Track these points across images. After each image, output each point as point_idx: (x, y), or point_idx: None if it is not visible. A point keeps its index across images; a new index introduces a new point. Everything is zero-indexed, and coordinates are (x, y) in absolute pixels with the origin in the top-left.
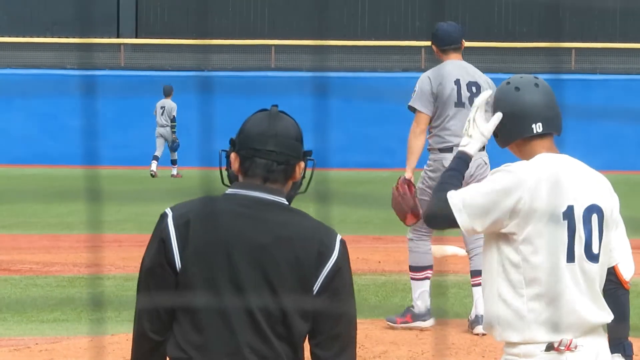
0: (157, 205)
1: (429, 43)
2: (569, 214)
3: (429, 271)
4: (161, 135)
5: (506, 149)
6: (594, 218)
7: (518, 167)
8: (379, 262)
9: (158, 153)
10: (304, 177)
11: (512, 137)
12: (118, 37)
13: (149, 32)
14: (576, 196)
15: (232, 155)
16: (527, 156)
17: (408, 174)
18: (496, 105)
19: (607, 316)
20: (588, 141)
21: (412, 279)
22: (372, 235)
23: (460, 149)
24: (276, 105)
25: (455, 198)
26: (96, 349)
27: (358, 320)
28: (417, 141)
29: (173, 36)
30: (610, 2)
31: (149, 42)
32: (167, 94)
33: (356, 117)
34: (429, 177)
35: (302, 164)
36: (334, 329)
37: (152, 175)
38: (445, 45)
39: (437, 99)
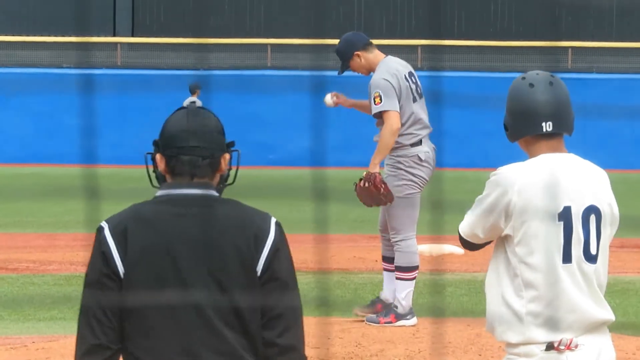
0: None
1: (425, 41)
2: (565, 215)
3: (416, 272)
4: None
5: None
6: (592, 219)
7: (506, 170)
8: (376, 260)
9: None
10: (230, 168)
11: (522, 133)
12: (115, 35)
13: (145, 31)
14: (574, 197)
15: (158, 156)
16: (532, 154)
17: (376, 169)
18: (509, 99)
19: (608, 314)
20: (584, 140)
21: (400, 279)
22: (369, 234)
23: None
24: (194, 102)
25: (464, 222)
26: None
27: (355, 319)
28: (393, 140)
29: (170, 35)
30: (607, 1)
31: (145, 41)
32: (192, 91)
33: (353, 116)
34: (407, 172)
35: (227, 156)
36: (276, 309)
37: None
38: (366, 43)
39: (400, 97)
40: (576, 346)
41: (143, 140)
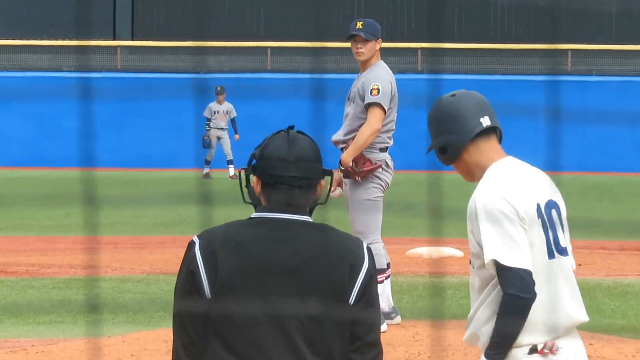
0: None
1: (425, 44)
2: (539, 212)
3: (389, 271)
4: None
5: None
6: (554, 213)
7: (489, 190)
8: None
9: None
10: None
11: (465, 137)
12: (114, 39)
13: (145, 35)
14: (538, 195)
15: (254, 178)
16: (480, 163)
17: (350, 164)
18: (438, 119)
19: (585, 315)
20: (584, 142)
21: None
22: None
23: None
24: (292, 126)
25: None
26: (92, 350)
27: None
28: (371, 140)
29: (169, 38)
30: (606, 4)
31: (145, 45)
32: (219, 94)
33: None
34: (375, 175)
35: (323, 182)
36: (370, 336)
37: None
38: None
39: (391, 101)
40: (557, 349)
41: (143, 144)
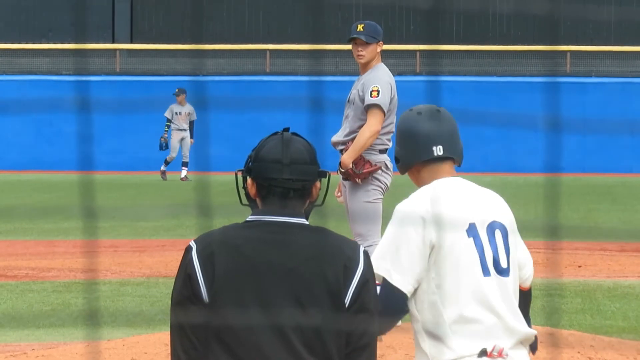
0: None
1: (424, 46)
2: (473, 231)
3: None
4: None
5: None
6: (497, 234)
7: (411, 205)
8: None
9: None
10: (320, 189)
11: (412, 159)
12: (113, 42)
13: (144, 38)
14: (475, 214)
15: (249, 181)
16: (425, 182)
17: (350, 166)
18: (398, 130)
19: (527, 329)
20: (584, 144)
21: None
22: None
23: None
24: (288, 128)
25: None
26: (92, 354)
27: None
28: (371, 142)
29: (168, 41)
30: (605, 5)
31: (144, 48)
32: (178, 95)
33: None
34: (375, 177)
35: (318, 184)
36: (363, 339)
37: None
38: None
39: (390, 103)
40: (507, 355)
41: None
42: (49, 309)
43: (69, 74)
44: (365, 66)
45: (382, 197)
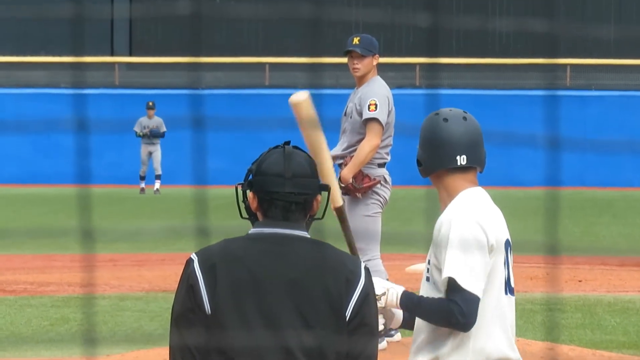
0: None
1: (423, 59)
2: (501, 247)
3: None
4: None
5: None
6: (509, 252)
7: (465, 209)
8: None
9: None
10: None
11: (436, 166)
12: (112, 55)
13: (143, 51)
14: (503, 229)
15: (250, 194)
16: (448, 189)
17: (350, 181)
18: (423, 134)
19: (514, 354)
20: (583, 157)
21: None
22: None
23: (399, 300)
24: (289, 142)
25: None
26: None
27: None
28: (371, 156)
29: (167, 54)
30: (605, 18)
31: (143, 61)
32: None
33: None
34: (374, 191)
35: (319, 197)
36: (363, 355)
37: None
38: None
39: (388, 116)
40: None
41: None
42: (48, 324)
43: (67, 87)
44: (361, 79)
45: (381, 211)
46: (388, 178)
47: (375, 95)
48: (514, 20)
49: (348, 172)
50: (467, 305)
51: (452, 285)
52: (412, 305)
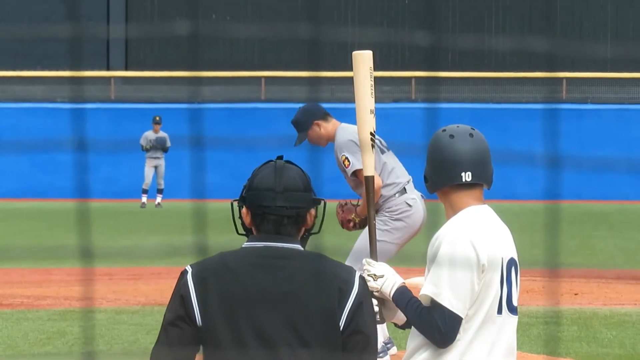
0: (149, 238)
1: (419, 73)
2: (501, 266)
3: None
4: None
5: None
6: (513, 271)
7: (460, 227)
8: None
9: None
10: (316, 217)
11: (442, 183)
12: (108, 69)
13: (139, 65)
14: (502, 248)
15: (244, 210)
16: (453, 205)
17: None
18: (429, 150)
19: None
20: (580, 171)
21: None
22: None
23: (393, 291)
24: (281, 156)
25: (442, 296)
26: None
27: None
28: (378, 194)
29: (163, 68)
30: (601, 32)
31: (139, 75)
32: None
33: None
34: (392, 220)
35: (313, 212)
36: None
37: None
38: (325, 113)
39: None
40: None
41: (137, 175)
42: (44, 338)
43: (64, 102)
44: (328, 141)
45: (398, 236)
46: (411, 202)
47: (342, 149)
48: (510, 35)
49: (362, 210)
50: (446, 323)
51: (432, 302)
52: (402, 302)
